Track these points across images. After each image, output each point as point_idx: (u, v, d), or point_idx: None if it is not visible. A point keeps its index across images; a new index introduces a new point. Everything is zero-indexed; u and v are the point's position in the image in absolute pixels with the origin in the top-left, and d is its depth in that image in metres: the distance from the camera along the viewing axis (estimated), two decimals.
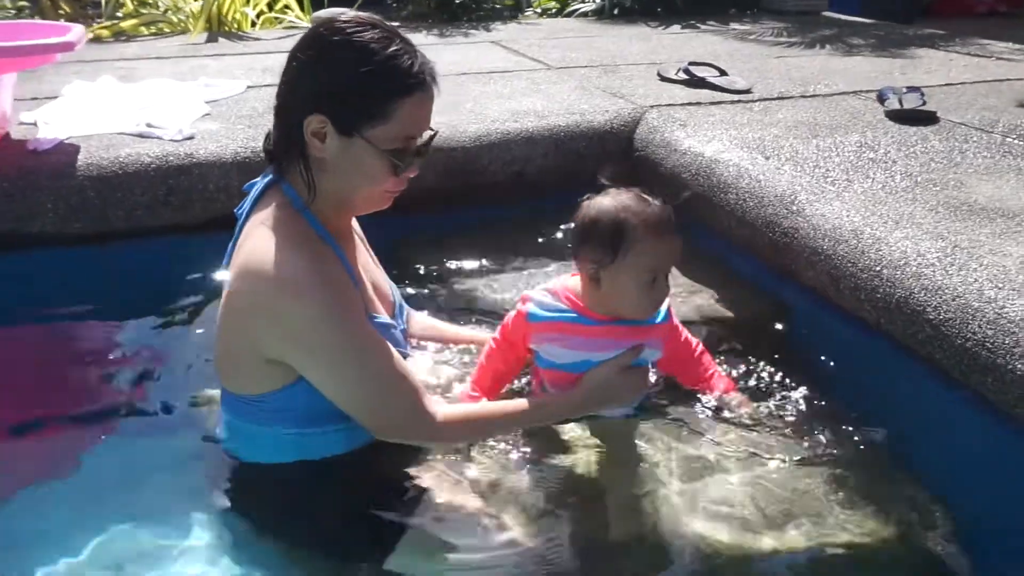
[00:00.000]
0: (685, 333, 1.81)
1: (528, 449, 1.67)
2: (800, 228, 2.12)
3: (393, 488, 1.59)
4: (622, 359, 1.66)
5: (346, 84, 1.44)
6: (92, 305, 2.29)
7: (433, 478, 1.60)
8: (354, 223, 1.82)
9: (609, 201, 1.61)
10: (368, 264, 1.74)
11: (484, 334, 1.97)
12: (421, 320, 2.00)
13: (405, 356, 1.70)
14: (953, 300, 1.71)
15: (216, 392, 1.75)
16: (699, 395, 1.82)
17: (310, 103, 1.45)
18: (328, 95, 1.45)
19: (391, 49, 1.44)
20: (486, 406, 1.68)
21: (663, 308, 1.70)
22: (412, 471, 1.62)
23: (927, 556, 1.64)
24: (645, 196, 1.62)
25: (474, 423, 1.62)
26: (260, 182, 1.59)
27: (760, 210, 2.26)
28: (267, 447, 1.58)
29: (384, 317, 1.65)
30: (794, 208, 2.17)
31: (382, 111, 1.45)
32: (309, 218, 1.53)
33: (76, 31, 2.46)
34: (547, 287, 1.72)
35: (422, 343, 1.95)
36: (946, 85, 3.43)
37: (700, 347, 1.84)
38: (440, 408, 1.57)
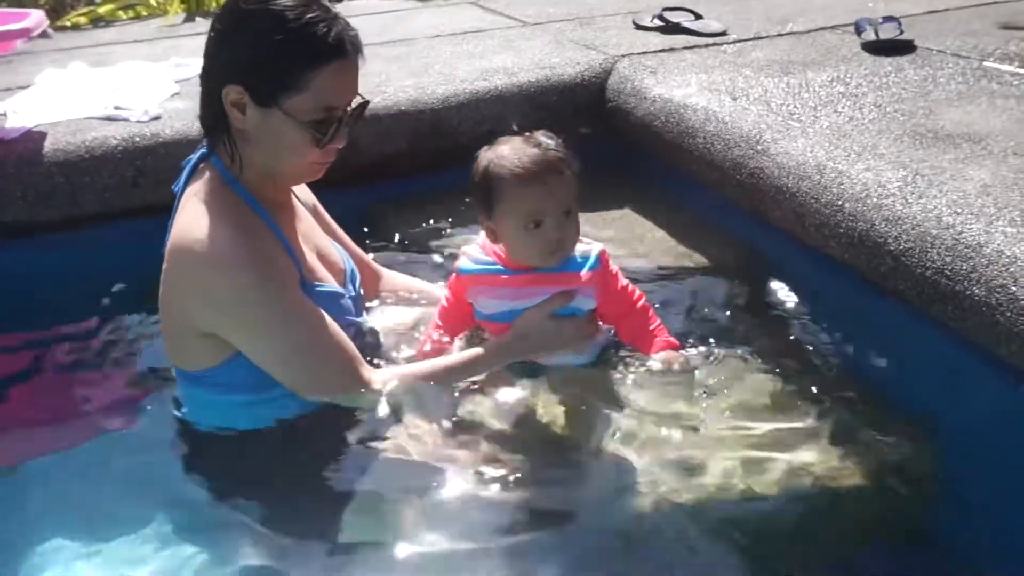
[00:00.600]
0: (624, 283, 1.76)
1: (488, 399, 1.67)
2: (765, 167, 2.09)
3: (352, 448, 1.60)
4: (546, 305, 1.65)
5: (261, 54, 1.43)
6: (69, 290, 2.31)
7: (395, 436, 1.61)
8: (305, 193, 1.82)
9: (487, 152, 1.62)
10: (312, 233, 1.73)
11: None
12: (393, 278, 2.00)
13: (355, 323, 1.71)
14: (912, 229, 1.69)
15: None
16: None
17: (228, 74, 1.45)
18: (244, 65, 1.44)
19: (307, 17, 1.42)
20: (421, 365, 1.67)
21: (592, 255, 1.67)
22: (373, 429, 1.63)
23: (899, 489, 1.63)
24: (535, 139, 1.60)
25: (412, 383, 1.61)
26: (194, 157, 1.59)
27: (727, 152, 2.23)
28: (220, 416, 1.60)
29: (329, 285, 1.65)
30: (759, 147, 2.14)
31: (298, 81, 1.44)
32: (238, 190, 1.53)
33: (35, 16, 2.46)
34: (480, 241, 1.72)
35: (395, 300, 1.96)
36: (929, 13, 3.35)
37: (642, 301, 1.77)
38: (376, 374, 1.57)
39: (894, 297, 1.76)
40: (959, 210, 1.67)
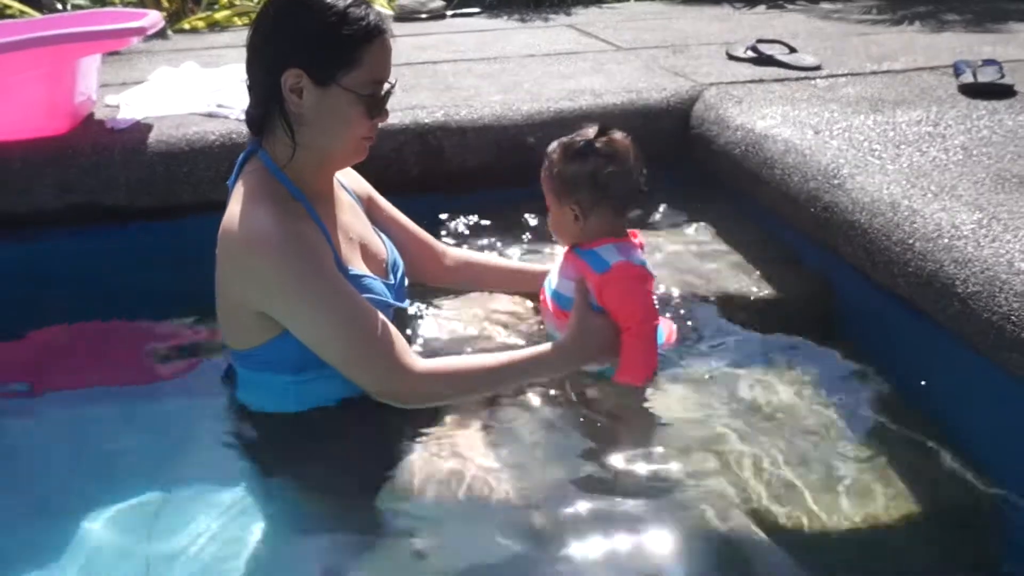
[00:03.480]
0: (630, 305, 1.73)
1: (523, 404, 1.71)
2: (840, 202, 2.07)
3: (389, 437, 1.65)
4: (578, 299, 1.73)
5: (316, 35, 1.54)
6: (160, 275, 2.45)
7: (433, 430, 1.66)
8: (360, 184, 1.91)
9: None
10: (356, 223, 1.81)
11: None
12: (460, 255, 2.11)
13: (400, 310, 1.79)
14: (982, 273, 1.65)
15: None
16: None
17: (283, 61, 1.55)
18: (304, 48, 1.55)
19: (346, 1, 1.56)
20: (471, 360, 1.72)
21: (609, 263, 1.72)
22: (412, 419, 1.68)
23: (963, 532, 1.60)
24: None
25: (456, 378, 1.67)
26: (243, 154, 1.71)
27: (803, 184, 2.22)
28: (270, 395, 1.70)
29: (363, 270, 1.72)
30: (836, 182, 2.12)
31: (353, 57, 1.56)
32: (282, 180, 1.63)
33: (151, 17, 2.61)
34: None
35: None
36: None
37: (640, 327, 1.72)
38: (420, 362, 1.63)
39: (961, 340, 1.72)
40: None
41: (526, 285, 2.04)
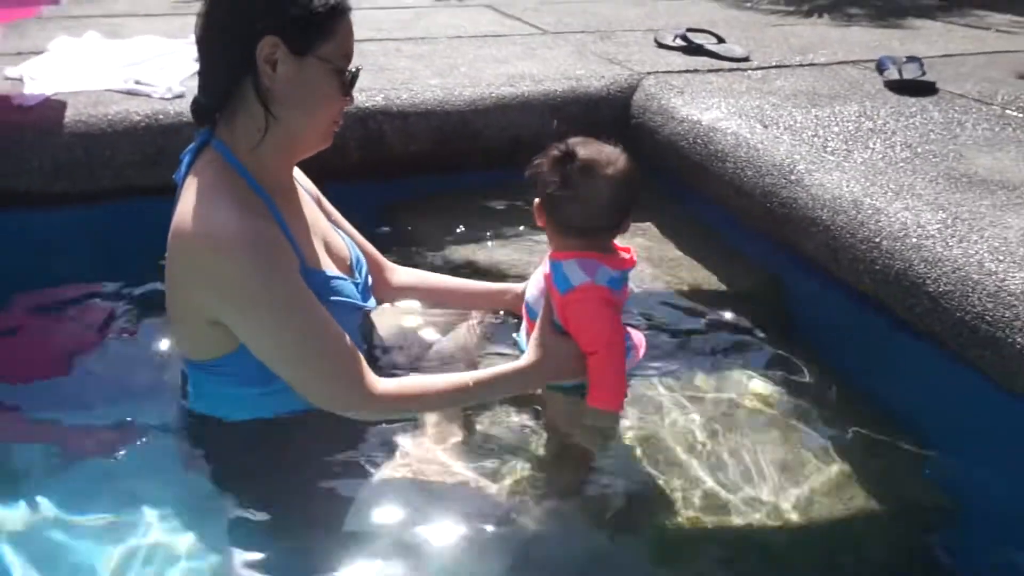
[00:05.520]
0: (592, 327, 1.62)
1: (514, 413, 1.66)
2: (799, 198, 2.10)
3: (360, 449, 1.58)
4: (541, 316, 1.64)
5: (292, 2, 1.43)
6: (77, 267, 2.26)
7: (409, 437, 1.60)
8: (308, 184, 1.80)
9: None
10: (316, 221, 1.70)
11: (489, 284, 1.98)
12: (402, 272, 1.98)
13: (362, 308, 1.68)
14: (953, 272, 1.70)
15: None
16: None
17: (258, 28, 1.42)
18: (277, 15, 1.43)
19: None
20: (428, 379, 1.62)
21: (571, 280, 1.60)
22: (389, 426, 1.62)
23: (921, 530, 1.65)
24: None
25: (413, 401, 1.58)
26: (194, 145, 1.56)
27: (758, 179, 2.24)
28: (229, 407, 1.58)
29: (331, 271, 1.62)
30: (793, 178, 2.14)
31: (329, 28, 1.47)
32: (241, 172, 1.51)
33: None
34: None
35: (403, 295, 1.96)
36: (944, 56, 3.40)
37: (603, 350, 1.61)
38: (378, 384, 1.53)
39: (927, 337, 1.77)
40: (1001, 257, 1.68)
41: (484, 304, 1.94)
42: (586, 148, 1.60)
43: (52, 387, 1.89)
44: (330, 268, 1.62)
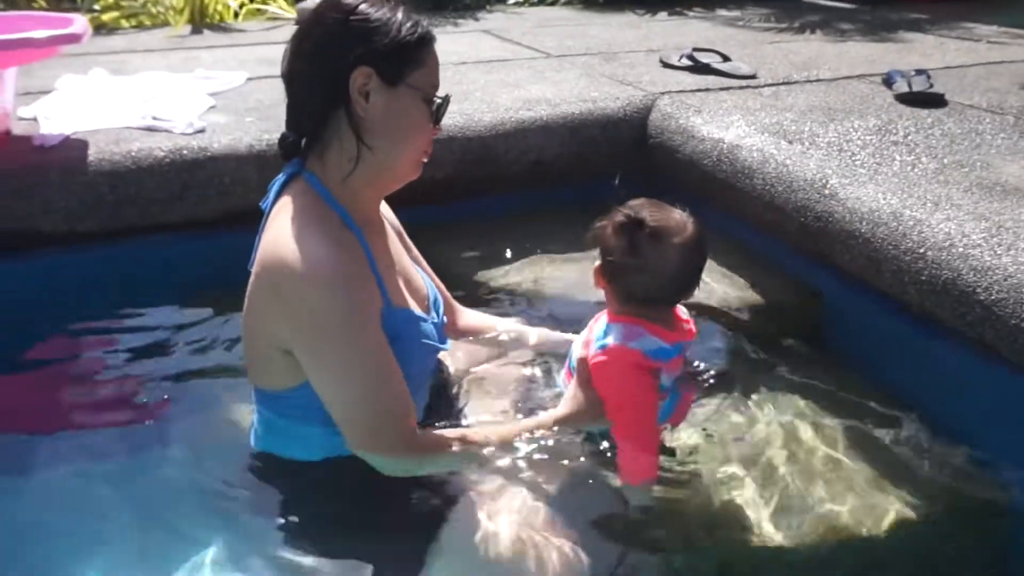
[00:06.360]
0: (616, 402, 1.57)
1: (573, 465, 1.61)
2: (835, 212, 2.11)
3: (432, 491, 1.56)
4: (577, 372, 1.62)
5: (383, 33, 1.44)
6: (109, 306, 2.23)
7: (474, 485, 1.56)
8: (392, 216, 1.79)
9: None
10: (400, 256, 1.69)
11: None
12: (472, 316, 1.96)
13: (437, 349, 1.66)
14: (1005, 280, 1.71)
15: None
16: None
17: (351, 60, 1.44)
18: (370, 46, 1.44)
19: (394, 4, 1.49)
20: (468, 432, 1.59)
21: (605, 343, 1.56)
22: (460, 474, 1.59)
23: (975, 536, 1.66)
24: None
25: (451, 452, 1.54)
26: (281, 177, 1.56)
27: (790, 195, 2.25)
28: (298, 443, 1.55)
29: (414, 310, 1.61)
30: (827, 192, 2.16)
31: (419, 57, 1.48)
32: (333, 204, 1.50)
33: (79, 22, 2.37)
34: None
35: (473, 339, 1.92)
36: (945, 68, 3.46)
37: (618, 426, 1.57)
38: (419, 440, 1.52)
39: (977, 346, 1.78)
40: None
41: (547, 351, 1.91)
42: (655, 214, 1.52)
43: (91, 436, 1.85)
44: (414, 307, 1.61)
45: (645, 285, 1.53)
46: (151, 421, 1.84)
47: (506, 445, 1.57)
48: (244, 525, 1.56)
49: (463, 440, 1.55)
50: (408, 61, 1.47)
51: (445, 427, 1.61)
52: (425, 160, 1.57)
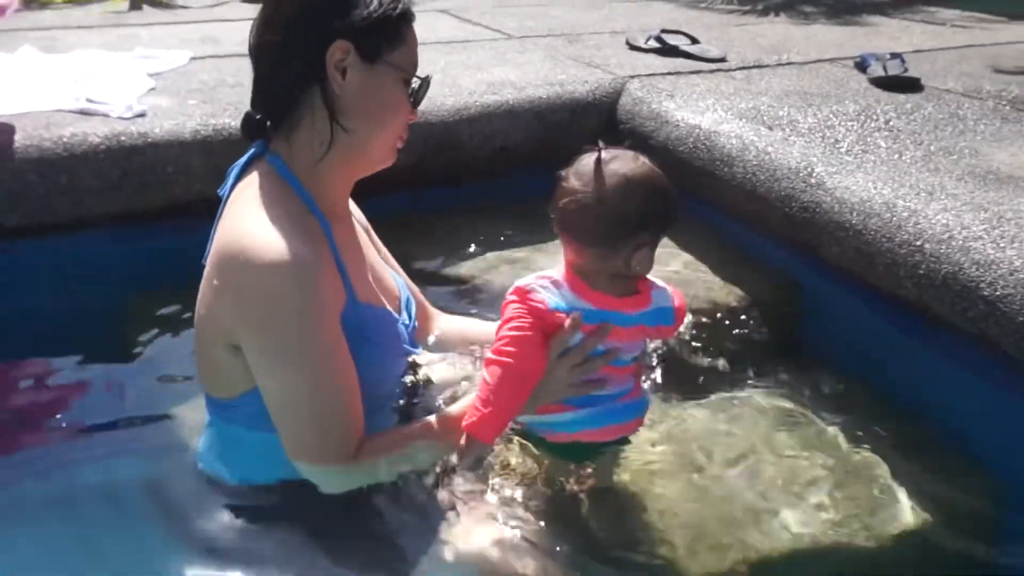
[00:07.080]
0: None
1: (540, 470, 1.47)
2: (823, 202, 2.00)
3: (401, 499, 1.41)
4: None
5: (364, 5, 1.32)
6: (39, 307, 2.04)
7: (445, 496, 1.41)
8: (357, 212, 1.64)
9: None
10: (368, 253, 1.56)
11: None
12: (447, 320, 1.81)
13: (408, 353, 1.54)
14: (1011, 275, 1.62)
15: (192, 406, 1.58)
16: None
17: (328, 33, 1.31)
18: (348, 19, 1.32)
19: None
20: (408, 430, 1.45)
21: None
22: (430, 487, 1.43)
23: (961, 534, 1.58)
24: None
25: (398, 453, 1.39)
26: (242, 160, 1.42)
27: (773, 184, 2.14)
28: (251, 457, 1.41)
29: (386, 308, 1.48)
30: (813, 181, 2.05)
31: (400, 33, 1.36)
32: (298, 189, 1.36)
33: None
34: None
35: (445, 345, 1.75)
36: (915, 52, 3.38)
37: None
38: (362, 440, 1.37)
39: (980, 341, 1.69)
40: None
41: None
42: (610, 152, 1.38)
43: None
44: (383, 304, 1.48)
45: (590, 225, 1.35)
46: (83, 435, 1.67)
47: (449, 432, 1.41)
48: (189, 542, 1.41)
49: (402, 439, 1.42)
50: (388, 37, 1.35)
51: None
52: (400, 146, 1.44)
